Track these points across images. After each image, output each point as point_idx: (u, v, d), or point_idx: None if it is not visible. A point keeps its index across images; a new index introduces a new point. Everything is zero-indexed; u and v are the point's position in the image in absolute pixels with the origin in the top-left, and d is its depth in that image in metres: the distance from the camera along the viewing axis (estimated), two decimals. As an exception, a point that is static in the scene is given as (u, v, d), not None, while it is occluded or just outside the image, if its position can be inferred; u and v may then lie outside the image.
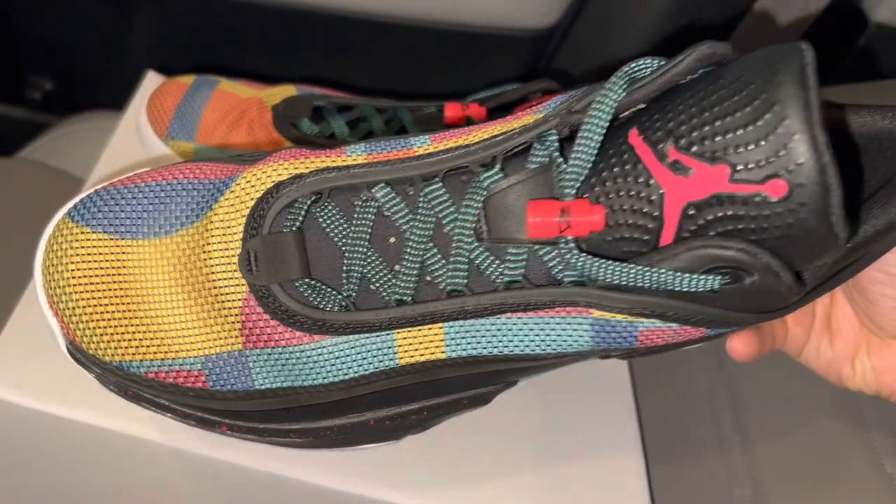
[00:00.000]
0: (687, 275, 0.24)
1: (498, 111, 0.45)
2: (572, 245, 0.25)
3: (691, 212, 0.24)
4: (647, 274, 0.24)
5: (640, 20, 0.68)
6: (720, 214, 0.23)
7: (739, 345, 0.32)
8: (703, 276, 0.24)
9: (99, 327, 0.28)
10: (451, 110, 0.43)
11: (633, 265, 0.25)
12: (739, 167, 0.23)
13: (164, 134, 0.43)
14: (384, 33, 0.68)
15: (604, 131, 0.25)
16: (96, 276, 0.28)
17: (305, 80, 0.49)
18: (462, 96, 0.46)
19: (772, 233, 0.23)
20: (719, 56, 0.25)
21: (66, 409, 0.34)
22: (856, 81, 0.65)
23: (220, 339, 0.28)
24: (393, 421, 0.30)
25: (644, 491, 0.41)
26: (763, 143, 0.22)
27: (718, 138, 0.23)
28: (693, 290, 0.24)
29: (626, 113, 0.26)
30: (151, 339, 0.28)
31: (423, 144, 0.28)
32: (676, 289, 0.24)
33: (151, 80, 0.49)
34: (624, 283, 0.25)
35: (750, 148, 0.22)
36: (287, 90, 0.45)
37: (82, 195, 0.29)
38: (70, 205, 0.29)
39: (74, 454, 0.37)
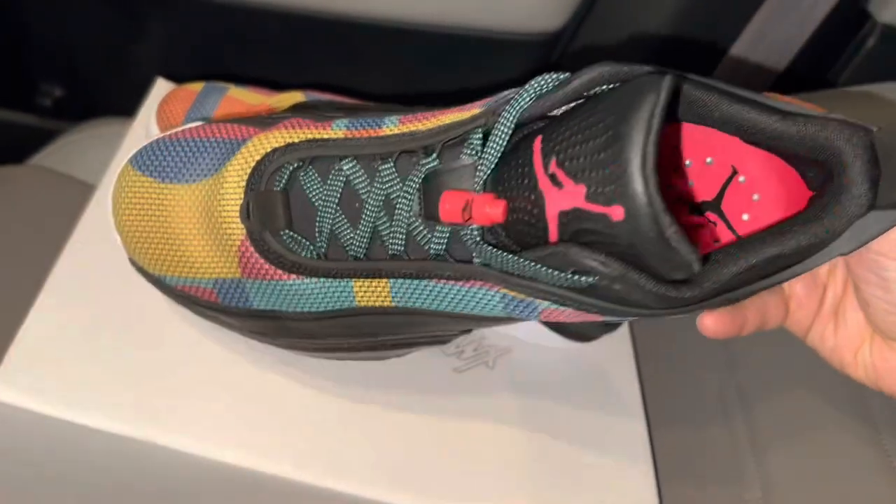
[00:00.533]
0: (559, 272, 0.27)
1: (504, 116, 0.45)
2: (476, 234, 0.29)
3: (564, 220, 0.27)
4: (529, 266, 0.27)
5: (647, 23, 0.68)
6: (582, 227, 0.26)
7: (710, 321, 0.33)
8: (573, 276, 0.27)
9: (145, 246, 0.36)
10: (458, 115, 0.43)
11: (519, 257, 0.28)
12: (592, 188, 0.25)
13: (174, 141, 0.43)
14: (393, 38, 0.69)
15: (507, 136, 0.28)
16: (144, 208, 0.35)
17: (315, 85, 0.49)
18: (469, 100, 0.46)
19: (622, 248, 0.25)
20: (614, 76, 0.27)
21: (78, 414, 0.35)
22: (861, 83, 0.65)
23: (225, 267, 0.34)
24: (365, 347, 0.36)
25: (652, 491, 0.42)
26: (607, 170, 0.24)
27: (582, 160, 0.25)
28: (568, 285, 0.27)
29: (554, 113, 0.28)
30: (179, 259, 0.35)
31: (391, 125, 0.32)
32: (552, 283, 0.27)
33: (161, 87, 0.50)
34: (513, 271, 0.28)
35: (600, 173, 0.25)
36: (295, 96, 0.45)
37: (142, 146, 0.37)
38: (133, 153, 0.37)
39: (85, 458, 0.37)
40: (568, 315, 0.30)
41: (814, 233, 0.27)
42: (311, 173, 0.32)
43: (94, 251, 0.40)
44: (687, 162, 0.32)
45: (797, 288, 0.36)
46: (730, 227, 0.31)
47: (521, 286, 0.29)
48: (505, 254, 0.28)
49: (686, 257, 0.25)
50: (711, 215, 0.32)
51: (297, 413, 0.38)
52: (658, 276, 0.26)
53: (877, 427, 0.41)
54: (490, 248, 0.28)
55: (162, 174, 0.35)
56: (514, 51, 0.70)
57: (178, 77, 0.51)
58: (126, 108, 0.60)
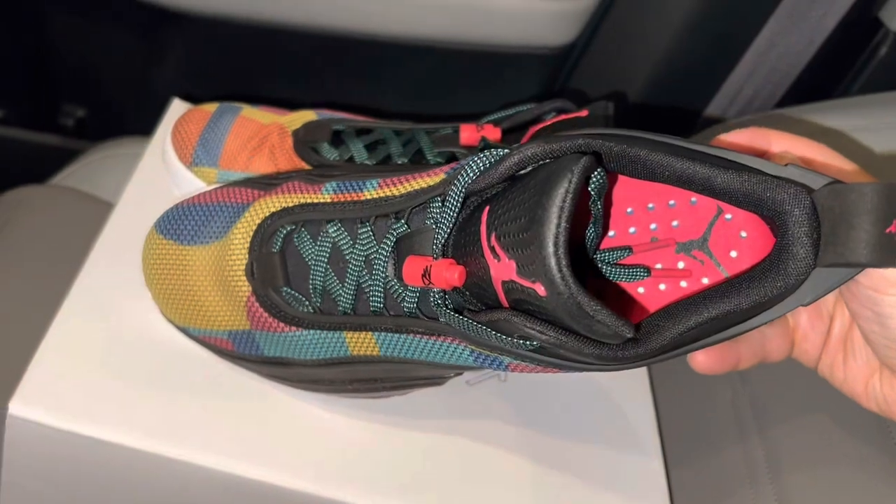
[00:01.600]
0: (506, 336, 0.29)
1: (512, 132, 0.45)
2: (437, 296, 0.31)
3: (506, 288, 0.28)
4: (481, 329, 0.29)
5: (656, 36, 0.68)
6: (520, 297, 0.27)
7: (701, 357, 0.33)
8: (518, 340, 0.28)
9: (170, 302, 0.39)
10: (467, 132, 0.44)
11: (472, 321, 0.29)
12: (521, 265, 0.27)
13: (189, 161, 0.44)
14: (406, 54, 0.69)
15: (457, 208, 0.30)
16: (167, 268, 0.39)
17: (327, 104, 0.50)
18: (483, 116, 0.47)
19: (554, 318, 0.27)
20: (545, 154, 0.28)
21: (96, 429, 0.36)
22: (875, 91, 0.65)
23: (236, 319, 0.37)
24: (366, 389, 0.38)
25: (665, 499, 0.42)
26: (529, 250, 0.26)
27: (512, 237, 0.27)
28: (512, 348, 0.29)
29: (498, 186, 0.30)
30: (197, 313, 0.38)
31: (371, 189, 0.35)
32: (502, 346, 0.29)
33: (177, 108, 0.51)
34: (468, 333, 0.30)
35: (525, 252, 0.26)
36: (307, 115, 0.46)
37: (165, 211, 0.40)
38: (157, 218, 0.40)
39: (103, 472, 0.38)
40: (531, 368, 0.32)
41: (760, 293, 0.27)
42: (303, 235, 0.35)
43: (111, 269, 0.41)
44: (671, 202, 0.32)
45: (802, 320, 0.36)
46: (718, 265, 0.32)
47: (479, 344, 0.31)
48: (460, 317, 0.30)
49: (613, 328, 0.26)
50: (699, 254, 0.32)
51: (313, 428, 0.39)
52: (596, 341, 0.27)
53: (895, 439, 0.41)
54: (448, 311, 0.30)
55: (180, 237, 0.39)
56: (525, 65, 0.71)
57: (195, 97, 0.52)
58: (146, 127, 0.61)
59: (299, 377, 0.38)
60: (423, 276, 0.30)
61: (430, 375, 0.37)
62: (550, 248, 0.25)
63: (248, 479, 0.36)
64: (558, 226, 0.25)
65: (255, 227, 0.37)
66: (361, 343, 0.35)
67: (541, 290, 0.26)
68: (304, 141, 0.44)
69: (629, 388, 0.46)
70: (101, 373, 0.37)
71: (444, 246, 0.31)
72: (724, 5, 0.64)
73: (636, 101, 0.72)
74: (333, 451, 0.38)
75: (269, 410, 0.39)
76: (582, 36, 0.70)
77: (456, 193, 0.30)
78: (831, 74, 0.72)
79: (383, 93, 0.74)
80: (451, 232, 0.31)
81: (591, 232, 0.31)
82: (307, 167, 0.43)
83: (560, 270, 0.25)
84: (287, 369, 0.38)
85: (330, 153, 0.43)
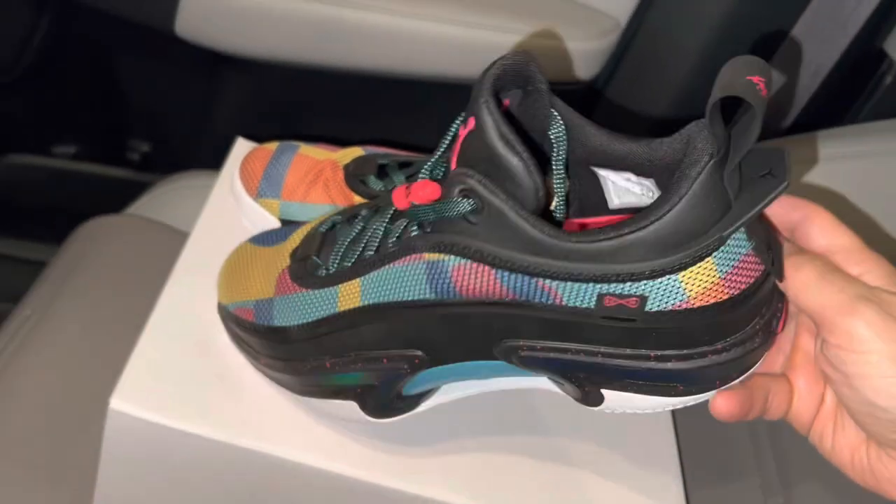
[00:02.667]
0: (451, 200, 0.33)
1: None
2: (414, 202, 0.35)
3: (463, 146, 0.33)
4: (436, 205, 0.34)
5: (675, 70, 0.72)
6: (468, 150, 0.33)
7: (721, 402, 0.34)
8: (460, 199, 0.33)
9: (226, 283, 0.44)
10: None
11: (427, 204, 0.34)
12: (469, 117, 0.33)
13: (255, 193, 0.50)
14: (445, 92, 0.74)
15: (447, 140, 0.37)
16: (239, 261, 0.45)
17: (374, 140, 0.55)
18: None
19: (485, 168, 0.32)
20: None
21: (190, 424, 0.40)
22: (880, 119, 0.68)
23: (264, 288, 0.42)
24: (339, 365, 0.40)
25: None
26: (471, 110, 0.33)
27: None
28: (455, 211, 0.33)
29: None
30: (241, 287, 0.43)
31: None
32: (448, 214, 0.33)
33: (241, 146, 0.56)
34: (431, 218, 0.34)
35: (471, 107, 0.33)
36: (356, 151, 0.50)
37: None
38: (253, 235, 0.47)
39: (195, 466, 0.42)
40: (475, 277, 0.34)
41: (678, 191, 0.30)
42: (345, 223, 0.41)
43: (192, 285, 0.46)
44: None
45: (800, 382, 0.35)
46: None
47: (426, 239, 0.35)
48: (421, 205, 0.34)
49: (527, 164, 0.31)
50: None
51: (364, 422, 0.42)
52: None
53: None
54: (413, 203, 0.35)
55: (261, 242, 0.45)
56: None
57: (251, 132, 0.57)
58: (205, 160, 0.66)
59: (290, 353, 0.40)
60: (406, 191, 0.35)
61: (394, 353, 0.38)
62: (478, 87, 0.32)
63: (343, 475, 0.40)
64: (487, 70, 0.33)
65: (314, 224, 0.43)
66: (349, 294, 0.38)
67: (471, 124, 0.31)
68: (353, 174, 0.48)
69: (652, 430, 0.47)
70: (192, 374, 0.42)
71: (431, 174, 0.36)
72: (735, 41, 0.68)
73: (657, 128, 0.76)
74: (385, 442, 0.42)
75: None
76: (605, 70, 0.75)
77: (452, 132, 0.36)
78: (838, 103, 0.75)
79: (422, 129, 0.78)
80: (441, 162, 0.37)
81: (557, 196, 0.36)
82: (357, 198, 0.49)
83: (485, 99, 0.31)
84: (284, 346, 0.40)
85: (376, 184, 0.48)
